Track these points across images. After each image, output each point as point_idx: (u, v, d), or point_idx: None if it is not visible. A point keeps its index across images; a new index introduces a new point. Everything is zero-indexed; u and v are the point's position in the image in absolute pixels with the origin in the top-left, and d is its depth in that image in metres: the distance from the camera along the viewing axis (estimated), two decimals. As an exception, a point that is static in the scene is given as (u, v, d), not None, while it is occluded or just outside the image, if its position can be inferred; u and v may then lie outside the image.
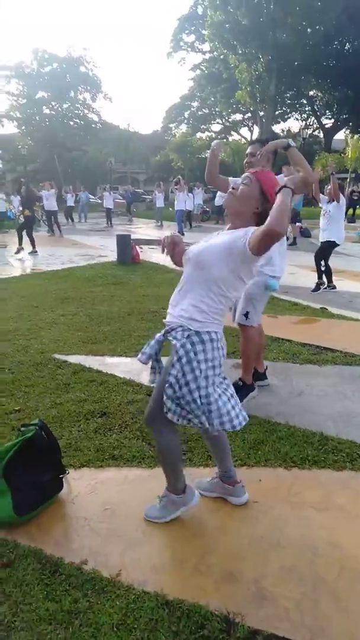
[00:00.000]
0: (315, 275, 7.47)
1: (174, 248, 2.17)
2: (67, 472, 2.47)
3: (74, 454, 2.77)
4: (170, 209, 23.29)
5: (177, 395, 1.95)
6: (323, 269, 7.38)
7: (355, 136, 26.59)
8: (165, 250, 2.18)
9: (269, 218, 1.79)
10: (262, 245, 1.83)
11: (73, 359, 4.32)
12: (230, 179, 3.45)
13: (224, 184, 3.41)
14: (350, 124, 36.62)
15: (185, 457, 2.71)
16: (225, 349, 2.07)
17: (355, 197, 21.62)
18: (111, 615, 1.73)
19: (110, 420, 3.17)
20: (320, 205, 7.27)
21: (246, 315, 3.32)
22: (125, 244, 10.14)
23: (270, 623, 1.70)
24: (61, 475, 2.43)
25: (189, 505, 2.22)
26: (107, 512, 2.30)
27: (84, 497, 2.41)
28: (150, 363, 2.16)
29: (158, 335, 2.11)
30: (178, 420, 2.01)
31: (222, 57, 36.15)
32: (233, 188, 2.06)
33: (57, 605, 1.77)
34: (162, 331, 2.10)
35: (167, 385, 1.96)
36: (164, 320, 2.12)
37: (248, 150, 3.28)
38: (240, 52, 31.82)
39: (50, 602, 1.78)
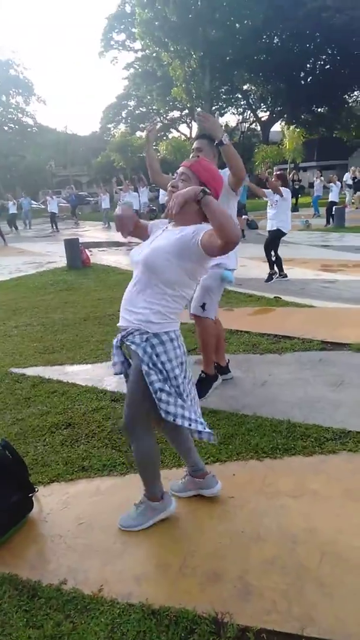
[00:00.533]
0: (266, 265, 7.60)
1: (129, 225, 2.12)
2: (36, 489, 2.37)
3: (42, 469, 2.67)
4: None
5: (170, 393, 1.94)
6: (273, 259, 7.51)
7: (291, 127, 27.27)
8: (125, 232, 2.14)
9: (216, 230, 1.74)
10: (220, 253, 1.81)
11: (31, 371, 4.18)
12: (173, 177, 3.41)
13: (166, 182, 3.37)
14: (285, 115, 37.53)
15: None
16: (184, 346, 2.06)
17: (297, 187, 22.16)
18: (97, 633, 1.67)
19: (77, 431, 3.08)
20: (265, 199, 7.38)
21: (203, 306, 3.32)
22: (74, 249, 9.95)
23: (259, 618, 1.69)
24: (30, 494, 2.32)
25: (167, 511, 2.19)
26: (82, 527, 2.23)
27: (57, 514, 2.33)
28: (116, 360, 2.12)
29: (115, 340, 2.07)
30: (178, 420, 1.97)
31: (154, 54, 36.13)
32: (172, 186, 1.99)
33: (39, 632, 1.69)
34: (119, 336, 2.05)
35: (157, 392, 1.92)
36: (118, 325, 2.07)
37: (194, 146, 3.22)
38: (172, 49, 31.88)
39: (32, 629, 1.70)
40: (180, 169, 2.02)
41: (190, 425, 2.00)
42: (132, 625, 1.68)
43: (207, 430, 2.06)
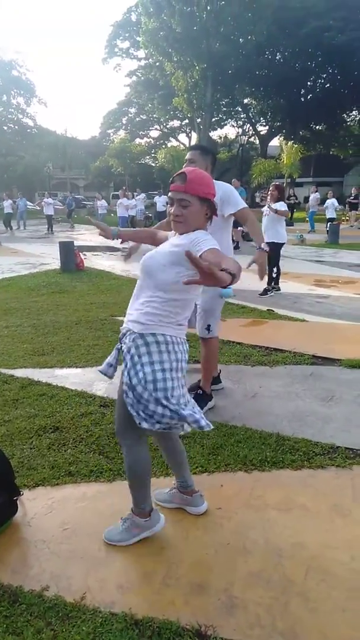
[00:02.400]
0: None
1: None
2: (21, 493, 2.34)
3: (28, 473, 2.63)
4: (113, 215, 23.12)
5: (132, 401, 1.89)
6: (274, 275, 7.52)
7: (289, 142, 27.58)
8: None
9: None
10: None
11: (20, 372, 4.14)
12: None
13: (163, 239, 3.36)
14: (284, 130, 37.99)
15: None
16: (182, 354, 1.97)
17: (292, 202, 22.39)
18: (78, 642, 1.64)
19: (64, 435, 3.05)
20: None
21: (208, 328, 3.35)
22: (69, 251, 9.92)
23: (243, 632, 1.67)
24: (15, 497, 2.29)
25: (153, 530, 2.12)
26: (67, 532, 2.19)
27: (41, 518, 2.29)
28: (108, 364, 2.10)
29: (117, 344, 2.06)
30: (153, 426, 1.91)
31: (157, 64, 36.43)
32: (175, 215, 1.90)
33: (19, 639, 1.65)
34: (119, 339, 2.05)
35: (124, 395, 1.90)
36: (120, 327, 2.07)
37: (187, 157, 3.19)
38: (175, 59, 32.16)
39: (11, 636, 1.67)
40: (176, 195, 1.88)
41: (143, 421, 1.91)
42: (115, 635, 1.66)
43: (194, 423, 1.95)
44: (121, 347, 1.98)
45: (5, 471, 2.28)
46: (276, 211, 7.02)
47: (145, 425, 1.90)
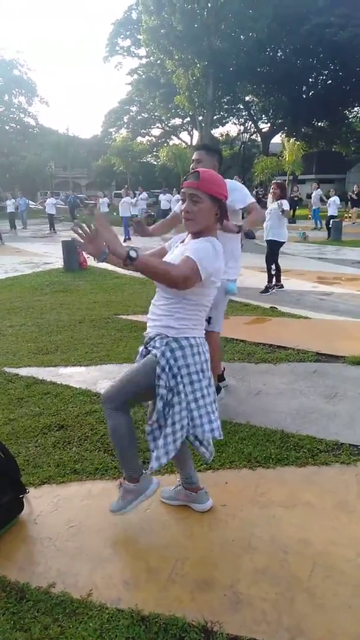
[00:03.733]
0: (263, 275, 7.61)
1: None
2: (27, 491, 2.35)
3: (33, 471, 2.64)
4: (115, 213, 23.10)
5: (166, 405, 1.93)
6: (273, 272, 7.51)
7: (291, 140, 27.50)
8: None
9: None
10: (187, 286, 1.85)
11: (24, 371, 4.16)
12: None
13: (176, 220, 3.39)
14: (286, 128, 37.89)
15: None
16: (206, 354, 2.05)
17: (296, 199, 22.35)
18: (85, 638, 1.65)
19: (69, 433, 3.06)
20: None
21: (208, 320, 3.34)
22: (71, 250, 9.92)
23: (249, 627, 1.68)
24: (21, 495, 2.30)
25: (145, 493, 2.14)
26: (73, 530, 2.21)
27: (47, 516, 2.31)
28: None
29: (141, 348, 2.09)
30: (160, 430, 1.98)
31: (159, 62, 36.38)
32: (186, 212, 1.93)
33: (27, 635, 1.66)
34: (144, 343, 2.08)
35: (158, 398, 1.93)
36: (143, 333, 2.10)
37: (194, 157, 3.21)
38: (176, 57, 32.11)
39: (19, 632, 1.68)
40: (188, 190, 1.90)
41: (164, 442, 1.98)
42: (121, 631, 1.67)
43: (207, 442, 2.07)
44: (147, 351, 2.01)
45: (11, 469, 2.29)
46: (283, 211, 7.00)
47: (157, 433, 1.97)
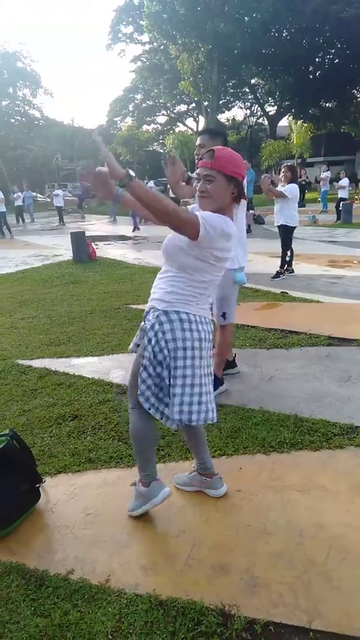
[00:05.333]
0: (273, 261, 7.54)
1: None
2: (43, 480, 2.38)
3: (49, 460, 2.67)
4: (122, 203, 22.96)
5: (151, 376, 1.92)
6: (288, 258, 7.44)
7: (299, 122, 27.07)
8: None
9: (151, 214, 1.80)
10: (185, 233, 1.80)
11: (37, 363, 4.19)
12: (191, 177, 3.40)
13: (188, 191, 3.35)
14: (293, 110, 37.24)
15: (164, 452, 2.68)
16: (205, 333, 1.98)
17: (304, 182, 22.04)
18: (104, 623, 1.67)
19: (83, 423, 3.08)
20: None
21: (223, 315, 3.35)
22: (80, 242, 9.94)
23: (266, 610, 1.69)
24: (37, 485, 2.33)
25: (152, 501, 2.12)
26: (89, 518, 2.23)
27: (64, 505, 2.33)
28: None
29: (142, 323, 2.07)
30: (149, 408, 1.96)
31: (162, 47, 35.91)
32: (200, 191, 1.90)
33: (47, 620, 1.69)
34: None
35: (141, 368, 1.93)
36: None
37: (198, 142, 3.17)
38: (180, 42, 31.65)
39: (40, 618, 1.71)
40: (202, 171, 1.88)
41: (154, 413, 1.97)
42: (140, 615, 1.69)
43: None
44: (145, 325, 2.00)
45: (27, 460, 2.32)
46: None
47: (146, 405, 1.96)
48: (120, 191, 1.91)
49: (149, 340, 1.91)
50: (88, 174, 1.88)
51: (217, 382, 3.42)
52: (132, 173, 1.66)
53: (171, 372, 1.91)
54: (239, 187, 1.91)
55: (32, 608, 1.75)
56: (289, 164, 8.12)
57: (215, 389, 3.33)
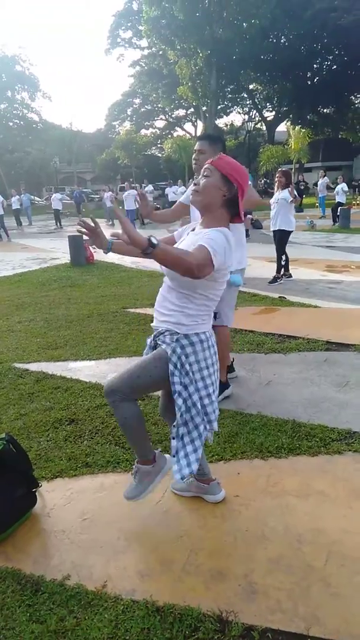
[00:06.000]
0: (271, 265, 7.55)
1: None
2: (39, 485, 2.36)
3: (45, 465, 2.66)
4: (120, 207, 23.05)
5: (186, 401, 1.92)
6: (283, 262, 7.45)
7: (297, 127, 27.19)
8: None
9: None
10: (198, 275, 1.78)
11: (34, 366, 4.17)
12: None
13: (163, 215, 3.44)
14: (291, 115, 37.43)
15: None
16: (215, 347, 2.04)
17: (302, 187, 22.13)
18: (101, 629, 1.65)
19: (80, 427, 3.07)
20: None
21: (214, 315, 3.31)
22: (78, 245, 9.93)
23: (264, 617, 1.68)
24: (34, 489, 2.32)
25: (164, 470, 2.16)
26: (86, 522, 2.21)
27: (60, 509, 2.32)
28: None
29: (149, 340, 2.09)
30: (180, 429, 1.96)
31: (161, 52, 36.09)
32: (195, 184, 1.97)
33: (43, 627, 1.68)
34: (152, 336, 2.07)
35: (175, 395, 1.92)
36: (152, 325, 2.07)
37: (196, 147, 3.17)
38: (178, 47, 31.85)
39: (35, 624, 1.69)
40: (205, 165, 1.96)
41: (185, 447, 1.96)
42: (136, 622, 1.67)
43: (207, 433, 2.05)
44: (155, 344, 2.01)
45: (23, 464, 2.30)
46: (295, 197, 6.95)
47: (182, 430, 1.95)
48: (111, 244, 2.03)
49: (175, 366, 1.92)
50: (86, 226, 1.97)
51: (222, 387, 3.41)
52: (154, 241, 1.62)
53: (201, 392, 1.95)
54: (231, 191, 1.90)
55: (28, 614, 1.73)
56: (283, 169, 8.15)
57: (220, 393, 3.34)
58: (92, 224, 1.98)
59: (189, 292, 1.92)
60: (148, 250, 1.62)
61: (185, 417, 1.94)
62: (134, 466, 2.18)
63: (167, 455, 2.18)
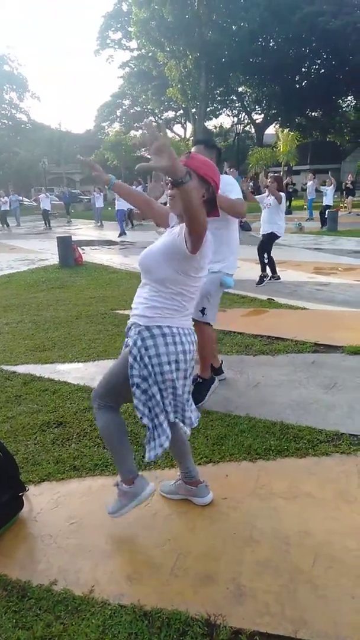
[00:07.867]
0: (259, 267, 7.59)
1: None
2: (26, 489, 2.34)
3: (32, 468, 2.63)
4: (110, 208, 23.04)
5: (146, 391, 1.89)
6: (266, 261, 7.50)
7: (285, 130, 27.36)
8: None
9: (187, 220, 1.67)
10: (194, 245, 1.75)
11: (22, 368, 4.13)
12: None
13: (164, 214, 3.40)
14: (280, 118, 37.61)
15: (150, 461, 2.64)
16: (189, 345, 1.96)
17: (291, 190, 22.28)
18: (88, 635, 1.64)
19: (68, 430, 3.04)
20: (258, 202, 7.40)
21: (202, 311, 3.30)
22: (67, 246, 9.88)
23: (252, 620, 1.68)
24: (21, 493, 2.29)
25: (139, 498, 2.09)
26: (74, 526, 2.20)
27: (48, 513, 2.30)
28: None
29: (126, 339, 2.07)
30: (145, 424, 1.93)
31: (150, 54, 36.06)
32: (171, 196, 1.91)
33: (29, 633, 1.66)
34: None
35: (133, 387, 1.89)
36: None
37: (192, 151, 3.20)
38: (168, 49, 31.84)
39: (21, 630, 1.67)
40: None
41: (152, 432, 1.94)
42: (124, 627, 1.66)
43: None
44: (127, 341, 1.99)
45: (9, 468, 2.28)
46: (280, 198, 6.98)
47: (145, 420, 1.92)
48: (114, 179, 2.09)
49: (134, 358, 1.88)
50: (150, 132, 1.63)
51: (208, 383, 3.41)
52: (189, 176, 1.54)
53: (160, 386, 1.90)
54: (209, 192, 1.90)
55: (14, 620, 1.71)
56: (275, 175, 8.20)
57: (207, 390, 3.35)
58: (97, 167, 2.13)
59: (159, 286, 1.90)
60: (186, 178, 1.51)
61: (143, 410, 1.90)
62: (116, 480, 2.17)
63: (150, 484, 2.14)
